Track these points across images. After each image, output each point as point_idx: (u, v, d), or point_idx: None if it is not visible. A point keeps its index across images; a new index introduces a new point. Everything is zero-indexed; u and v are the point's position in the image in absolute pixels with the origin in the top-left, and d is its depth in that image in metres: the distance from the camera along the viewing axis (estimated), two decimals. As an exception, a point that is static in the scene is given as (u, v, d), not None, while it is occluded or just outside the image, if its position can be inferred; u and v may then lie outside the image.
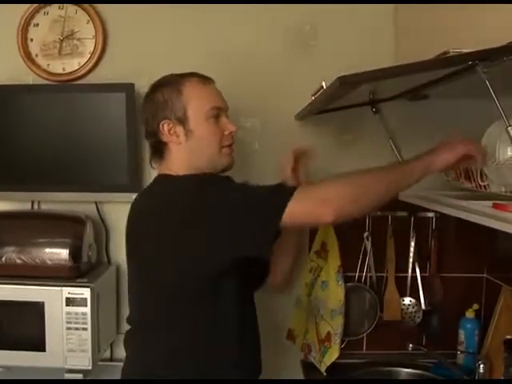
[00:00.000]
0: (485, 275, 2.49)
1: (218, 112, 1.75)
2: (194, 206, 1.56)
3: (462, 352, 2.35)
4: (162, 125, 1.71)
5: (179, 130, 1.71)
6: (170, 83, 1.74)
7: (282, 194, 1.54)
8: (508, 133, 1.38)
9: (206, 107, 1.72)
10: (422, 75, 1.55)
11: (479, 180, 1.84)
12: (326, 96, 1.64)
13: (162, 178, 1.74)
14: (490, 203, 1.67)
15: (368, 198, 1.59)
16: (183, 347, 1.67)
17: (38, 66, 2.36)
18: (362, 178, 1.59)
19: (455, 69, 1.46)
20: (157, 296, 1.67)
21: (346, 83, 1.27)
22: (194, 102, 1.72)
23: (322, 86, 1.63)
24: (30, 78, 2.37)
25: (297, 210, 1.52)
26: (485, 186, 1.82)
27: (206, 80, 1.77)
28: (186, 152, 1.72)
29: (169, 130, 1.71)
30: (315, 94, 1.78)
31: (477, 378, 2.11)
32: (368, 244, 2.44)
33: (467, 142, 1.64)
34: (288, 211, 1.50)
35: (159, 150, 1.75)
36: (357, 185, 1.58)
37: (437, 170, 1.65)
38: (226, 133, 1.76)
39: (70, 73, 2.37)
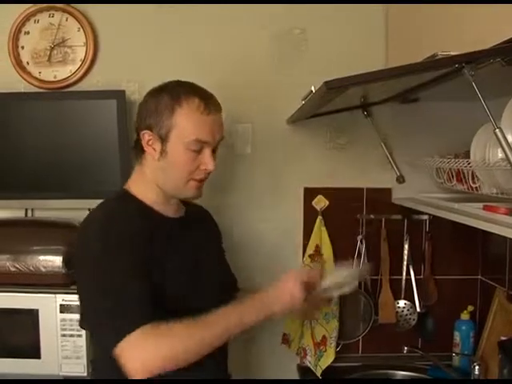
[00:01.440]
0: (479, 277, 2.49)
1: (202, 145, 1.66)
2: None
3: (457, 354, 2.35)
4: (143, 134, 1.68)
5: (157, 145, 1.67)
6: (170, 96, 1.65)
7: (126, 322, 1.47)
8: (496, 135, 1.37)
9: (190, 138, 1.64)
10: (410, 78, 1.55)
11: (471, 182, 1.85)
12: (316, 100, 1.65)
13: (94, 210, 1.73)
14: (480, 205, 1.69)
15: (188, 358, 1.51)
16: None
17: (30, 74, 2.36)
18: (191, 339, 1.51)
19: (443, 71, 1.46)
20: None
21: (333, 88, 1.27)
22: (181, 128, 1.64)
23: (312, 91, 1.63)
24: (21, 85, 2.38)
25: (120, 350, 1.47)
26: (476, 188, 1.83)
27: (206, 107, 1.65)
28: (157, 169, 1.69)
29: (148, 141, 1.68)
30: (305, 98, 1.79)
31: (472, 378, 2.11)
32: (362, 247, 2.44)
33: (296, 282, 1.62)
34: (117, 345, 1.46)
35: (138, 151, 1.73)
36: (185, 349, 1.50)
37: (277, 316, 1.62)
38: (202, 167, 1.68)
39: (62, 80, 2.37)
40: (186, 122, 1.64)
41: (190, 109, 1.64)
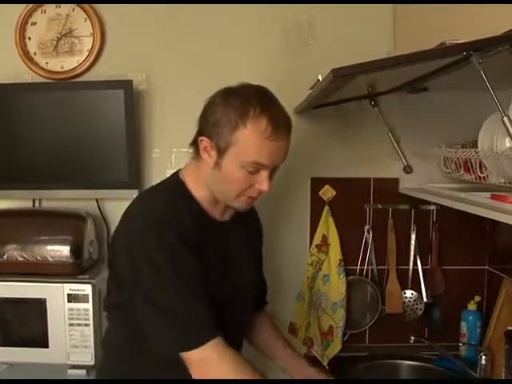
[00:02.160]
0: (486, 267, 2.49)
1: (258, 168, 1.53)
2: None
3: (463, 344, 2.35)
4: (201, 140, 1.56)
5: (213, 154, 1.55)
6: (237, 109, 1.50)
7: (196, 335, 1.48)
8: (504, 123, 1.37)
9: (248, 159, 1.51)
10: (418, 67, 1.54)
11: (478, 171, 1.84)
12: (323, 89, 1.64)
13: (146, 194, 1.69)
14: (488, 194, 1.68)
15: None
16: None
17: (37, 65, 2.36)
18: None
19: (451, 60, 1.45)
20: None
21: (340, 75, 1.26)
22: (239, 148, 1.50)
23: (319, 80, 1.63)
24: (28, 76, 2.38)
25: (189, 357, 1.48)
26: (484, 178, 1.82)
27: (273, 132, 1.49)
28: (209, 175, 1.59)
29: (205, 147, 1.56)
30: (312, 87, 1.78)
31: (479, 369, 2.11)
32: (369, 237, 2.44)
33: None
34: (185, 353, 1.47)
35: (195, 149, 1.63)
36: None
37: None
38: (256, 187, 1.56)
39: (69, 71, 2.37)
40: (246, 144, 1.50)
41: (255, 131, 1.49)
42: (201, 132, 1.58)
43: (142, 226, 1.53)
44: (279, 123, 1.52)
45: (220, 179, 1.56)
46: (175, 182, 1.65)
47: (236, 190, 1.57)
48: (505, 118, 1.37)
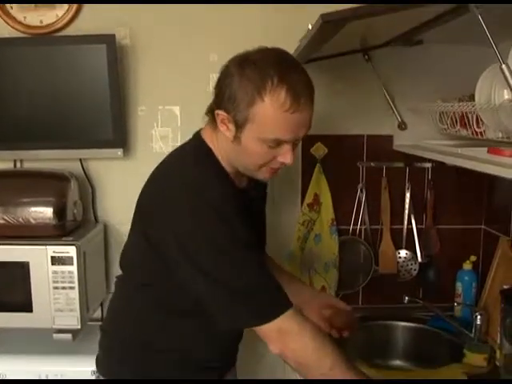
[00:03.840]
0: (482, 226, 2.48)
1: (280, 142, 1.47)
2: (177, 233, 1.46)
3: (458, 304, 2.34)
4: (218, 114, 1.49)
5: (231, 128, 1.48)
6: (252, 81, 1.41)
7: (273, 307, 1.44)
8: (502, 71, 1.33)
9: (268, 135, 1.44)
10: (413, 15, 1.49)
11: (475, 126, 1.81)
12: (313, 38, 1.58)
13: (181, 151, 1.61)
14: (485, 149, 1.64)
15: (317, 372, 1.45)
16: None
17: (14, 19, 2.29)
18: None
19: (449, 7, 1.41)
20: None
21: (330, 21, 1.21)
22: (258, 124, 1.43)
23: (309, 29, 1.58)
24: (5, 31, 2.31)
25: (263, 330, 1.44)
26: (481, 133, 1.79)
27: (293, 103, 1.41)
28: (229, 147, 1.52)
29: (222, 121, 1.50)
30: (302, 38, 1.73)
31: (474, 329, 2.10)
32: (362, 196, 2.42)
33: None
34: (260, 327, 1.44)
35: (212, 118, 1.55)
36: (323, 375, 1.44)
37: None
38: (279, 159, 1.51)
39: (48, 25, 2.30)
40: (265, 119, 1.42)
41: (273, 105, 1.40)
42: (217, 104, 1.50)
43: (192, 201, 1.45)
44: (300, 92, 1.42)
45: (241, 152, 1.51)
46: (204, 150, 1.58)
47: (258, 163, 1.52)
48: (503, 66, 1.33)
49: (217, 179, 1.52)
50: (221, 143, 1.55)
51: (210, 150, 1.57)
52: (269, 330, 1.43)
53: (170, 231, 1.46)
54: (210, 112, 1.55)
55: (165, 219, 1.48)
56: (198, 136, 1.62)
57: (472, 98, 1.78)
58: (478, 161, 1.60)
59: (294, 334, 1.43)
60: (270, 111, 1.41)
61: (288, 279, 1.85)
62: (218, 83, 1.50)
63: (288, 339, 1.43)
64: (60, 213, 2.16)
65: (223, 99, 1.47)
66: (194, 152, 1.59)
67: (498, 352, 1.96)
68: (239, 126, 1.46)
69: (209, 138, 1.58)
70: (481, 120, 1.75)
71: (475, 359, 1.98)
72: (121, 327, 1.68)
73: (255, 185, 1.68)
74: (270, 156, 1.50)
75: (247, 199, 1.63)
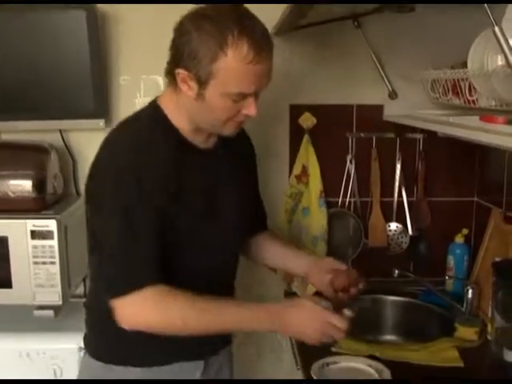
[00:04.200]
0: (475, 199, 2.46)
1: (244, 96, 1.48)
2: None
3: (450, 278, 2.32)
4: (178, 73, 1.48)
5: (193, 86, 1.47)
6: (213, 36, 1.40)
7: (136, 276, 1.48)
8: (495, 34, 1.28)
9: (233, 89, 1.45)
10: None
11: (467, 95, 1.79)
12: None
13: (123, 125, 1.61)
14: (477, 117, 1.62)
15: (173, 332, 1.53)
16: None
17: (-14, -17, 2.21)
18: (195, 320, 1.52)
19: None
20: None
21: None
22: (222, 79, 1.43)
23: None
24: (-22, -3, 2.24)
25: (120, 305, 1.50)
26: (474, 101, 1.77)
27: (256, 55, 1.41)
28: (191, 106, 1.52)
29: (183, 80, 1.48)
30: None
31: (465, 303, 2.08)
32: (351, 167, 2.40)
33: (337, 331, 1.54)
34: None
35: (171, 79, 1.54)
36: (183, 325, 1.51)
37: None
38: (243, 112, 1.51)
39: (26, -9, 2.23)
40: (229, 73, 1.42)
41: (236, 58, 1.40)
42: (176, 63, 1.49)
43: (105, 165, 1.52)
44: (261, 43, 1.43)
45: (204, 110, 1.51)
46: (152, 111, 1.60)
47: (223, 118, 1.52)
48: (496, 29, 1.28)
49: (150, 143, 1.52)
50: (182, 103, 1.54)
51: (160, 111, 1.58)
52: (119, 304, 1.49)
53: (94, 193, 1.55)
54: (169, 73, 1.54)
55: (89, 183, 1.56)
56: (152, 102, 1.62)
57: (465, 65, 1.74)
58: (470, 129, 1.57)
59: (148, 311, 1.49)
60: (234, 65, 1.41)
61: (292, 253, 1.90)
62: (174, 42, 1.49)
63: (137, 315, 1.50)
64: (40, 186, 2.11)
65: (182, 57, 1.45)
66: (138, 115, 1.61)
67: (489, 326, 1.95)
68: (202, 83, 1.45)
69: (166, 100, 1.59)
70: (473, 88, 1.73)
71: (466, 333, 1.96)
72: (99, 302, 1.65)
73: (230, 145, 1.66)
74: (235, 110, 1.50)
75: (207, 159, 1.62)
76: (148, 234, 1.48)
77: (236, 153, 1.71)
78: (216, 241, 1.63)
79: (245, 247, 1.87)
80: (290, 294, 2.35)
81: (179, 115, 1.56)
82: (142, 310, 1.49)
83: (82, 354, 1.83)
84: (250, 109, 1.50)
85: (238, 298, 1.76)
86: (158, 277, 1.48)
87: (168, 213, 1.50)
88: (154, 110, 1.59)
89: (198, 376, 1.68)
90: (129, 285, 1.47)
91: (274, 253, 1.90)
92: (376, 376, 1.68)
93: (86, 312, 1.76)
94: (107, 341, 1.66)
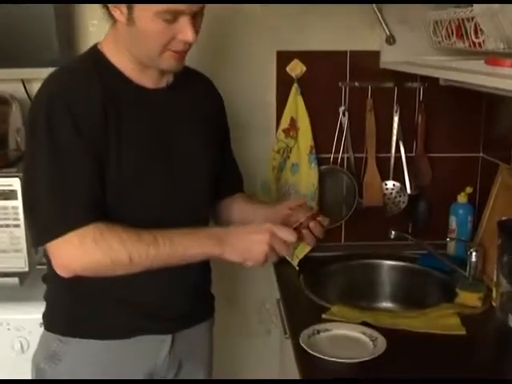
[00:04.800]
0: (480, 154, 2.46)
1: (175, 15, 1.48)
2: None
3: (452, 240, 2.32)
4: None
5: (123, 10, 1.49)
6: None
7: (66, 219, 1.47)
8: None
9: (157, 7, 1.45)
10: None
11: (473, 37, 1.77)
12: None
13: (63, 66, 1.65)
14: (483, 61, 1.61)
15: (120, 270, 1.52)
16: None
17: None
18: (136, 254, 1.49)
19: None
20: None
21: None
22: None
23: None
24: None
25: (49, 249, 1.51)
26: (479, 44, 1.75)
27: None
28: (127, 36, 1.54)
29: (114, 6, 1.51)
30: None
31: (468, 267, 2.08)
32: (344, 120, 2.39)
33: (284, 245, 1.56)
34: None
35: (107, 11, 1.56)
36: (124, 262, 1.49)
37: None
38: (179, 38, 1.51)
39: None
40: None
41: None
42: None
43: (38, 100, 1.55)
44: None
45: (138, 37, 1.52)
46: (91, 52, 1.64)
47: (157, 45, 1.53)
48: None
49: (81, 77, 1.56)
50: (120, 37, 1.57)
51: (99, 52, 1.61)
52: (55, 248, 1.49)
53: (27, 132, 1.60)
54: (105, 7, 1.56)
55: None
56: (92, 46, 1.66)
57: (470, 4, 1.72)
58: (475, 73, 1.57)
59: (86, 252, 1.48)
60: None
61: (254, 206, 1.91)
62: None
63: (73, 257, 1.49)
64: (1, 141, 2.12)
65: None
66: (78, 57, 1.69)
67: (494, 291, 1.95)
68: (129, 5, 1.47)
69: (107, 41, 1.62)
70: (480, 29, 1.70)
71: (469, 299, 1.96)
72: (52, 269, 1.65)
73: (188, 89, 1.70)
74: (170, 34, 1.51)
75: (156, 99, 1.63)
76: (83, 170, 1.49)
77: (199, 99, 1.73)
78: (171, 195, 1.63)
79: (215, 213, 1.89)
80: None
81: (120, 54, 1.59)
82: (82, 249, 1.47)
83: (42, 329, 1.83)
84: (185, 32, 1.50)
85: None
86: (98, 216, 1.49)
87: (108, 152, 1.51)
88: (93, 51, 1.63)
89: (165, 352, 1.69)
90: (65, 224, 1.46)
91: (237, 211, 1.91)
92: (370, 344, 1.69)
93: (46, 284, 1.77)
94: (63, 312, 1.67)
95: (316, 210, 1.79)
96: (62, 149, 1.47)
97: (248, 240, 1.55)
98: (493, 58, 1.59)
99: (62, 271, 1.50)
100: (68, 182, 1.47)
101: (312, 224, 1.71)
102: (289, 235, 1.56)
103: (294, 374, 1.66)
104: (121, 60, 1.59)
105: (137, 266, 1.49)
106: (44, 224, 1.49)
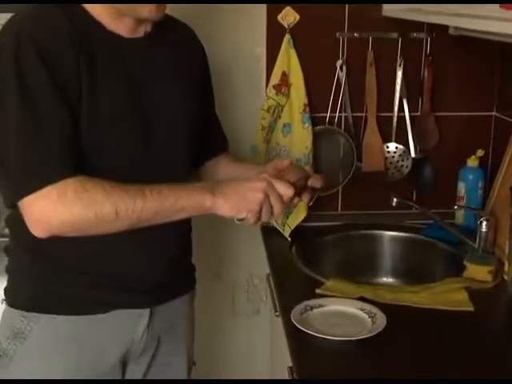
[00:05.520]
0: (494, 113, 2.46)
1: None
2: None
3: (460, 208, 2.33)
4: None
5: None
6: None
7: (43, 172, 1.44)
8: None
9: None
10: None
11: None
12: None
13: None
14: (497, 5, 1.59)
15: (104, 227, 1.50)
16: None
17: None
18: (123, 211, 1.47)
19: None
20: None
21: None
22: None
23: None
24: None
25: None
26: None
27: None
28: None
29: None
30: None
31: (478, 238, 2.08)
32: (342, 75, 2.38)
33: (279, 200, 1.55)
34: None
35: None
36: (106, 218, 1.47)
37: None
38: None
39: None
40: None
41: None
42: None
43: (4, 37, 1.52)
44: None
45: None
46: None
47: None
48: None
49: (49, 16, 1.53)
50: None
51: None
52: (30, 203, 1.44)
53: None
54: None
55: None
56: None
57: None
58: (489, 19, 1.55)
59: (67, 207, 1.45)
60: None
61: (241, 167, 1.91)
62: None
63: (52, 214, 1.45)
64: None
65: None
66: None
67: (506, 264, 1.97)
68: None
69: None
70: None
71: (478, 272, 1.97)
72: (17, 236, 1.65)
73: (167, 38, 1.69)
74: None
75: (131, 48, 1.63)
76: (59, 118, 1.47)
77: (176, 49, 1.73)
78: (148, 149, 1.62)
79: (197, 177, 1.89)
80: (267, 230, 2.35)
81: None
82: (62, 203, 1.43)
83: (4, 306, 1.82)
84: None
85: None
86: (76, 169, 1.46)
87: (80, 101, 1.49)
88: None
89: (142, 327, 1.70)
90: (41, 177, 1.43)
91: (223, 173, 1.91)
92: (369, 321, 1.69)
93: (8, 256, 1.76)
94: (28, 285, 1.66)
95: (306, 171, 1.78)
96: (33, 94, 1.45)
97: (242, 188, 1.54)
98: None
99: (38, 229, 1.46)
100: (44, 130, 1.45)
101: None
102: (286, 188, 1.55)
103: (286, 356, 1.66)
104: (95, 7, 1.57)
105: (123, 220, 1.47)
106: (17, 179, 1.46)
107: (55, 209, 1.43)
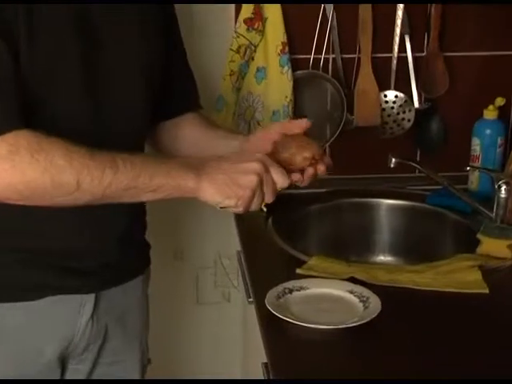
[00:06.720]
0: (517, 51, 2.46)
1: None
2: None
3: (475, 169, 2.34)
4: None
5: None
6: None
7: None
8: None
9: None
10: None
11: None
12: None
13: None
14: None
15: (60, 198, 1.47)
16: None
17: None
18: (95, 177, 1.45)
19: None
20: None
21: None
22: None
23: None
24: None
25: None
26: None
27: None
28: None
29: None
30: None
31: (495, 207, 2.10)
32: (329, 8, 2.36)
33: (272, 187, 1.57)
34: None
35: None
36: (71, 183, 1.44)
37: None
38: None
39: None
40: None
41: None
42: None
43: None
44: None
45: None
46: None
47: None
48: None
49: None
50: None
51: None
52: None
53: None
54: None
55: None
56: None
57: None
58: None
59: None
60: None
61: (217, 134, 1.92)
62: None
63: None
64: None
65: None
66: None
67: (528, 238, 1.98)
68: None
69: None
70: None
71: (495, 247, 1.98)
72: None
73: None
74: None
75: None
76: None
77: None
78: (96, 97, 1.61)
79: (152, 140, 1.91)
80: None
81: None
82: (11, 163, 1.40)
83: None
84: None
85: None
86: (24, 123, 1.44)
87: (17, 42, 1.46)
88: None
89: (85, 317, 1.71)
90: None
91: (189, 138, 1.93)
92: (360, 306, 1.70)
93: None
94: None
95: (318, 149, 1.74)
96: None
97: (234, 169, 1.53)
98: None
99: None
100: None
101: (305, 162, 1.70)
102: (282, 178, 1.56)
103: (260, 350, 1.65)
104: None
105: (83, 194, 1.45)
106: None
107: (3, 168, 1.40)
